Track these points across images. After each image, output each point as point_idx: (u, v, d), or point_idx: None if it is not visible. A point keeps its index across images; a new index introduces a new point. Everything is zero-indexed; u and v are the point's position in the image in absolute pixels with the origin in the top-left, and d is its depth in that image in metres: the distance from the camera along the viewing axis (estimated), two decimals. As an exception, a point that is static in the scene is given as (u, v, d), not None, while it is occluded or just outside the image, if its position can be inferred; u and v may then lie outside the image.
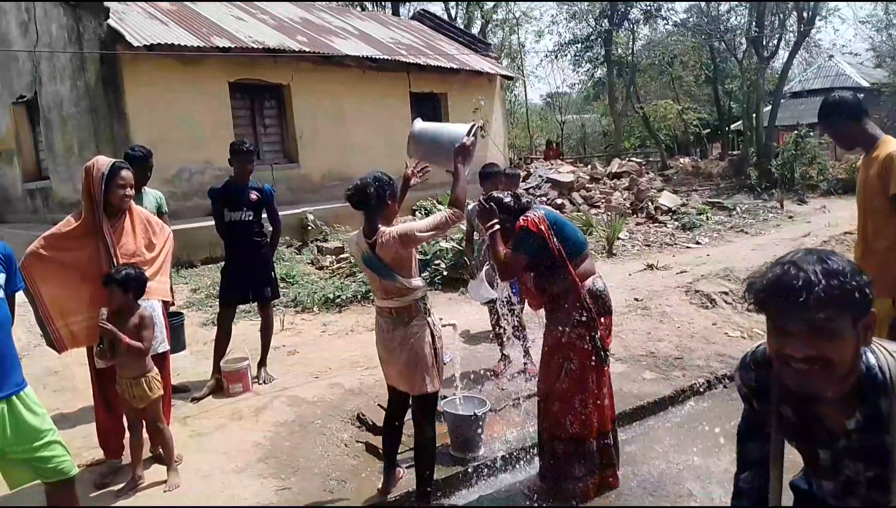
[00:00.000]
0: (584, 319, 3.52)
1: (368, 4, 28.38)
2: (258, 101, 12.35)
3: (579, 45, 29.40)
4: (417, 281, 3.42)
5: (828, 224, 12.22)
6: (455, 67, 15.10)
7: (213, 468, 4.04)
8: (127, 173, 3.83)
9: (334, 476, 3.92)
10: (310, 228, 11.31)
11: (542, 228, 3.48)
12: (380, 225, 3.34)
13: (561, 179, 15.00)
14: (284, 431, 4.53)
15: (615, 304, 3.83)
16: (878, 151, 3.40)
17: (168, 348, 4.21)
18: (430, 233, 3.36)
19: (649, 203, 13.89)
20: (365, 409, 4.69)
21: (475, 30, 27.73)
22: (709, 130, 30.92)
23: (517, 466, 4.11)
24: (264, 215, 5.46)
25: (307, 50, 12.25)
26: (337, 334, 6.83)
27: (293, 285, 8.55)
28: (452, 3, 29.40)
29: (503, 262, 3.49)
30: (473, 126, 3.55)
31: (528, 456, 4.13)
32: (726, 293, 6.95)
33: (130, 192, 3.87)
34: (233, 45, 11.16)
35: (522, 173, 13.99)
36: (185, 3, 12.86)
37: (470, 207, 6.01)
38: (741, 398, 1.92)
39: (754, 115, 20.59)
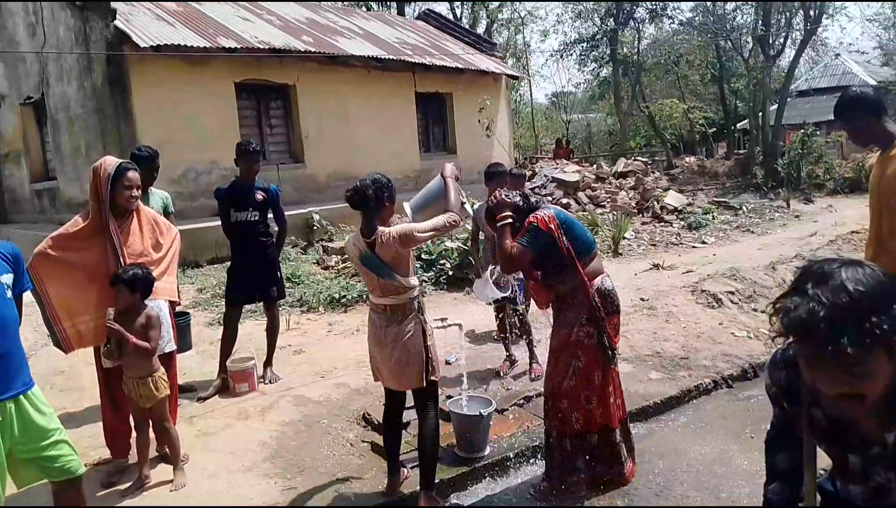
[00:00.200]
0: (592, 318, 3.52)
1: (374, 4, 28.40)
2: (264, 101, 12.37)
3: (585, 45, 29.40)
4: (414, 280, 3.51)
5: (834, 223, 12.18)
6: (460, 66, 15.09)
7: (219, 467, 4.05)
8: (133, 174, 3.85)
9: (340, 476, 3.93)
10: (315, 228, 11.32)
11: (552, 226, 3.49)
12: (378, 225, 3.42)
13: (566, 178, 14.98)
14: (290, 430, 4.54)
15: (621, 303, 3.83)
16: None
17: (175, 347, 4.22)
18: (429, 234, 3.45)
19: (655, 203, 13.87)
20: (370, 408, 4.69)
21: (480, 29, 27.72)
22: (715, 129, 30.83)
23: (523, 466, 4.12)
24: (270, 216, 5.48)
25: (313, 50, 12.26)
26: (342, 333, 6.83)
27: (299, 284, 8.56)
28: (458, 3, 29.39)
29: (509, 254, 3.48)
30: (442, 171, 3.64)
31: (533, 456, 4.14)
32: (732, 293, 6.92)
33: (137, 193, 3.89)
34: (239, 46, 11.18)
35: (528, 173, 13.97)
36: (192, 3, 12.89)
37: (475, 206, 6.02)
38: (770, 400, 1.85)
39: (760, 113, 20.53)
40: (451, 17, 25.66)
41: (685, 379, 5.24)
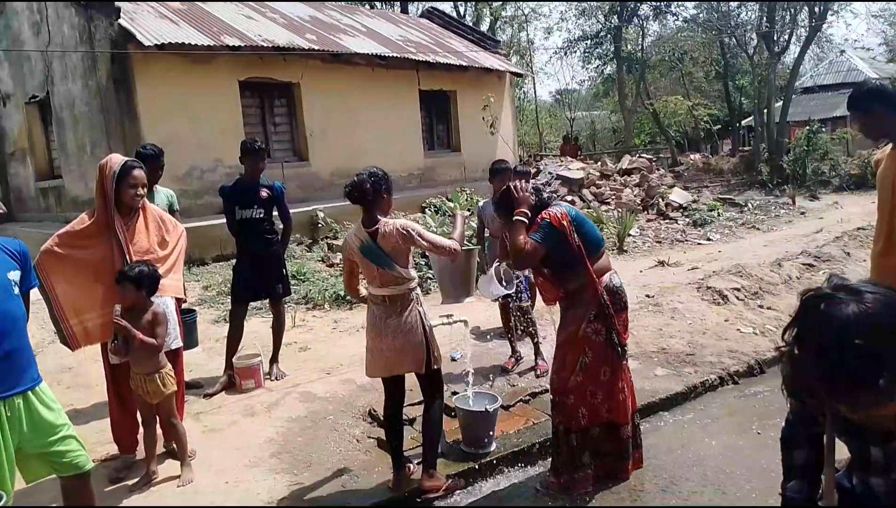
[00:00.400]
0: (600, 314, 3.52)
1: (377, 2, 28.38)
2: (268, 99, 12.38)
3: (589, 42, 29.34)
4: (413, 272, 3.60)
5: (840, 220, 12.15)
6: (464, 64, 15.07)
7: (225, 463, 4.06)
8: (139, 173, 3.85)
9: (346, 472, 3.94)
10: (320, 225, 11.33)
11: (565, 223, 3.49)
12: (378, 216, 3.53)
13: (571, 175, 14.96)
14: (297, 427, 4.55)
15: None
16: None
17: (181, 344, 4.22)
18: (427, 245, 3.55)
19: (660, 200, 13.85)
20: (376, 405, 4.69)
21: (484, 27, 27.68)
22: (719, 126, 30.78)
23: (529, 462, 4.12)
24: (275, 213, 5.49)
25: (317, 48, 12.27)
26: (348, 330, 6.84)
27: (304, 282, 8.58)
28: (461, 1, 29.37)
29: (522, 250, 3.47)
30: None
31: (539, 452, 4.14)
32: (738, 290, 6.91)
33: (142, 191, 3.90)
34: (243, 44, 11.18)
35: (532, 171, 13.96)
36: (196, 2, 12.90)
37: (481, 203, 6.02)
38: (789, 392, 1.79)
39: (765, 110, 20.49)
40: (454, 14, 25.65)
41: (691, 376, 5.23)
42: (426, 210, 12.16)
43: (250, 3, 14.23)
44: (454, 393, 4.52)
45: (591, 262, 3.55)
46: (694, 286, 7.15)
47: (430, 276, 8.32)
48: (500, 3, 29.45)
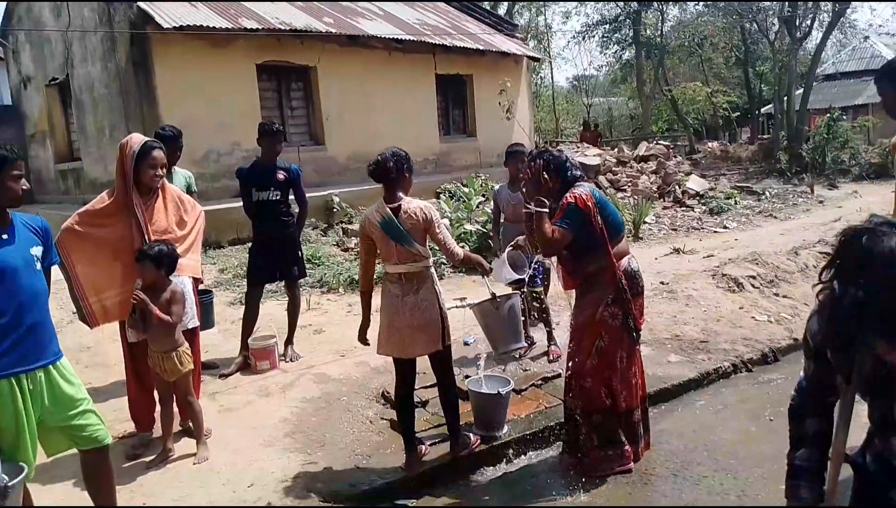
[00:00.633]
0: (618, 299, 3.53)
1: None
2: (285, 82, 12.40)
3: (607, 27, 29.08)
4: (428, 250, 3.68)
5: (859, 209, 12.02)
6: (481, 48, 14.99)
7: (241, 442, 4.12)
8: (158, 153, 3.89)
9: (359, 452, 3.99)
10: (335, 210, 11.37)
11: (590, 204, 3.49)
12: (400, 194, 3.62)
13: (587, 162, 14.88)
14: (311, 407, 4.60)
15: (641, 287, 3.82)
16: None
17: (198, 324, 4.28)
18: (440, 238, 3.65)
19: (676, 187, 13.76)
20: (390, 387, 4.70)
21: (501, 11, 27.46)
22: (738, 113, 30.41)
23: (541, 445, 4.14)
24: (291, 196, 5.52)
25: (334, 31, 12.25)
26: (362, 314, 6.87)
27: (319, 265, 8.62)
28: (479, -15, 29.12)
29: (551, 238, 3.46)
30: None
31: (551, 435, 4.16)
32: (754, 278, 6.87)
33: (161, 172, 3.94)
34: (260, 27, 11.20)
35: (527, 150, 13.89)
36: (213, -16, 12.91)
37: (496, 187, 6.01)
38: (808, 352, 1.78)
39: (786, 98, 20.23)
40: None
41: (704, 363, 5.23)
42: (441, 196, 12.16)
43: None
44: (466, 377, 4.55)
45: (612, 245, 3.55)
46: (709, 274, 7.12)
47: (444, 261, 8.35)
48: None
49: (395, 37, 13.27)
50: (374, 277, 3.91)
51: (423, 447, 3.91)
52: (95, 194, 4.20)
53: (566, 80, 46.94)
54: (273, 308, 6.65)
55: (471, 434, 3.99)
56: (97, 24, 11.47)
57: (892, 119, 3.49)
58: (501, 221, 5.71)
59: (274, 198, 5.36)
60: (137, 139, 3.88)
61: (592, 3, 29.65)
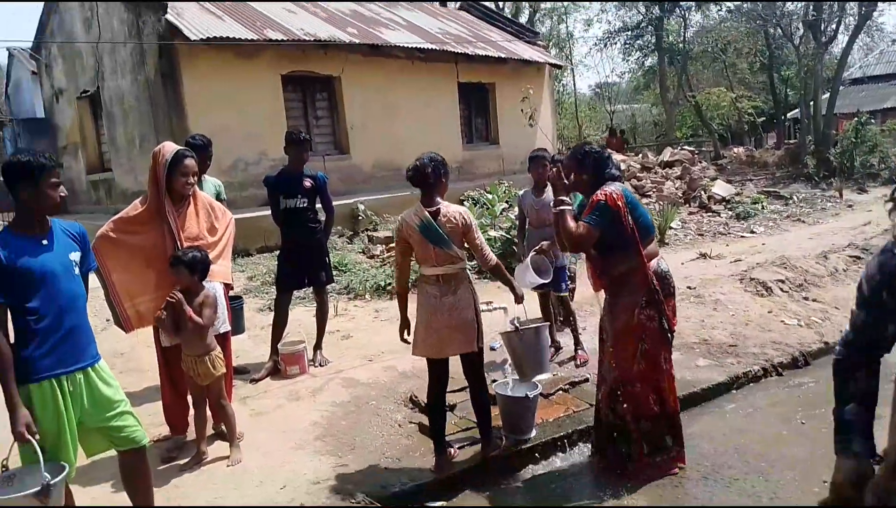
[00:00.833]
0: (651, 301, 3.52)
1: (416, -4, 28.39)
2: (310, 93, 12.54)
3: (629, 33, 29.01)
4: (464, 253, 3.79)
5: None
6: (503, 56, 15.04)
7: (272, 445, 4.18)
8: (190, 162, 3.98)
9: (389, 455, 4.02)
10: (360, 218, 11.46)
11: (620, 204, 3.48)
12: (438, 198, 3.73)
13: (611, 168, 14.82)
14: (340, 411, 4.64)
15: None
16: None
17: (229, 328, 4.35)
18: (476, 243, 3.77)
19: (702, 192, 13.66)
20: (418, 391, 4.77)
21: (523, 19, 27.51)
22: (764, 118, 30.12)
23: (569, 449, 4.15)
24: (318, 205, 5.59)
25: (357, 41, 12.38)
26: (389, 320, 6.91)
27: (345, 272, 8.69)
28: (500, -6, 29.21)
29: (576, 234, 3.48)
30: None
31: (580, 439, 4.16)
32: (783, 281, 6.81)
33: (193, 180, 4.03)
34: (285, 38, 11.35)
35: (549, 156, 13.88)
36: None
37: (521, 193, 6.03)
38: (858, 303, 1.74)
39: (812, 102, 20.01)
40: (493, 6, 25.54)
41: (733, 366, 5.19)
42: (464, 202, 12.19)
43: (292, -2, 14.41)
44: (493, 381, 4.56)
45: (643, 246, 3.55)
46: (737, 278, 7.07)
47: (470, 268, 8.36)
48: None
49: (418, 46, 13.36)
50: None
51: (453, 449, 3.94)
52: (126, 204, 4.29)
53: (588, 87, 46.82)
54: (302, 314, 6.72)
55: (501, 437, 4.02)
56: (126, 36, 11.70)
57: None
58: (526, 226, 5.73)
59: (301, 205, 5.43)
60: (170, 148, 3.97)
61: (615, 8, 29.47)
